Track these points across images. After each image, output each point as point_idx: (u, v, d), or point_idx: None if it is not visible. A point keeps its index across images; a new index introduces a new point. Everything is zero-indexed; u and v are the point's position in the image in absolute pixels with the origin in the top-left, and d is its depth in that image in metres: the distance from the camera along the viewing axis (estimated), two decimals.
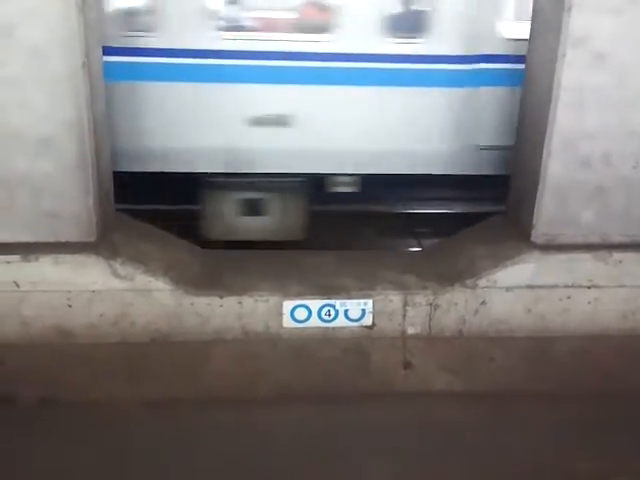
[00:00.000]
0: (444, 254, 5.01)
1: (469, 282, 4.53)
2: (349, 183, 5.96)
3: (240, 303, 4.45)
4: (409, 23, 5.75)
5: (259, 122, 5.36)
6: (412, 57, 5.53)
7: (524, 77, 4.76)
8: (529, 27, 4.64)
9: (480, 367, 4.57)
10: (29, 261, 4.17)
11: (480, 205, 6.40)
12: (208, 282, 4.54)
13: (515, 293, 4.54)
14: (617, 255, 4.50)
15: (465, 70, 5.59)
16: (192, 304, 4.41)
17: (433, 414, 4.25)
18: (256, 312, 4.47)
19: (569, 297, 4.56)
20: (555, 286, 4.53)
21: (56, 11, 3.82)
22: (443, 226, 6.23)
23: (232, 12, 5.71)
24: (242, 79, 5.40)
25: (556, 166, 4.36)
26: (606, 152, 4.35)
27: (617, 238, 4.57)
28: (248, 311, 4.46)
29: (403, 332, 4.58)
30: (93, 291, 4.29)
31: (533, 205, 4.49)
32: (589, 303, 4.59)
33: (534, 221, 4.52)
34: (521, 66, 4.84)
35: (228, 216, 5.87)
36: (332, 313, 4.52)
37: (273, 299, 4.47)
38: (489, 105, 5.69)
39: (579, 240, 4.54)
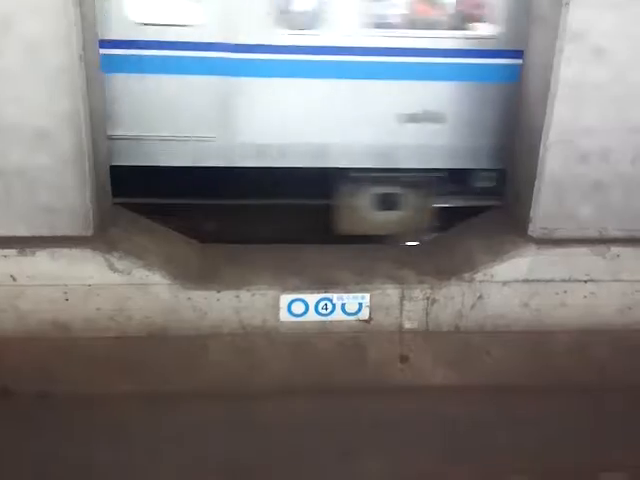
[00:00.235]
0: (441, 248, 5.01)
1: (466, 276, 4.54)
2: (491, 178, 5.91)
3: (237, 297, 4.45)
4: None
5: (412, 119, 5.32)
6: None
7: (521, 72, 4.75)
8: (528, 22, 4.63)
9: (477, 361, 4.59)
10: (26, 255, 4.16)
11: None
12: (205, 276, 4.54)
13: (512, 287, 4.55)
14: (614, 249, 4.51)
15: None
16: (189, 298, 4.41)
17: (429, 408, 4.27)
18: (253, 306, 4.48)
19: (566, 291, 4.57)
20: (552, 280, 4.54)
21: (53, 4, 3.79)
22: None
23: (379, 9, 5.61)
24: (395, 76, 5.24)
25: (554, 161, 4.35)
26: (604, 147, 4.34)
27: (615, 233, 4.57)
28: (245, 305, 4.46)
29: (400, 326, 4.59)
30: (90, 285, 4.28)
31: (530, 199, 4.49)
32: (586, 297, 4.60)
33: (531, 215, 4.52)
34: None
35: (362, 210, 5.86)
36: (329, 307, 4.52)
37: (270, 293, 4.47)
38: None
39: (576, 235, 4.55)
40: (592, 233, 4.56)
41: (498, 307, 4.60)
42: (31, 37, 3.83)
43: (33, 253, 4.17)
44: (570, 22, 4.05)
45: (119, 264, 4.28)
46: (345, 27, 4.94)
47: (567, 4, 4.01)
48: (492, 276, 4.52)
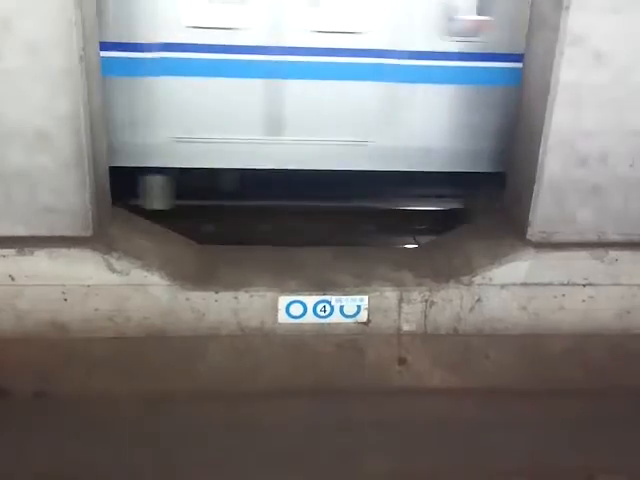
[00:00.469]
0: (440, 251, 5.01)
1: (465, 279, 4.54)
2: None
3: (236, 298, 4.45)
4: None
5: None
6: None
7: (522, 75, 4.76)
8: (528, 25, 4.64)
9: (475, 364, 4.59)
10: (24, 255, 4.17)
11: None
12: (204, 277, 4.54)
13: (510, 290, 4.55)
14: (613, 253, 4.50)
15: None
16: (188, 299, 4.41)
17: (427, 411, 4.26)
18: (252, 307, 4.48)
19: (564, 295, 4.56)
20: (550, 284, 4.54)
21: (53, 5, 3.80)
22: None
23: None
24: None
25: (553, 164, 4.36)
26: (603, 151, 4.34)
27: (613, 237, 4.57)
28: (244, 306, 4.46)
29: (398, 329, 4.59)
30: (89, 285, 4.29)
31: (529, 203, 4.49)
32: (584, 301, 4.59)
33: (530, 219, 4.52)
34: None
35: None
36: (327, 309, 4.52)
37: (269, 295, 4.47)
38: None
39: (575, 238, 4.54)
40: (591, 237, 4.55)
41: (496, 310, 4.59)
42: (31, 38, 3.84)
43: (32, 253, 4.17)
44: (570, 25, 4.05)
45: (118, 265, 4.28)
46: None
47: (567, 8, 4.01)
48: (491, 279, 4.52)
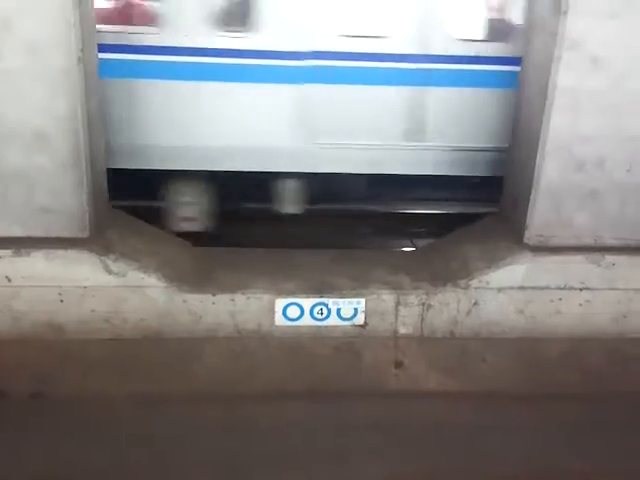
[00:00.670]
0: (437, 254, 5.02)
1: (462, 283, 4.54)
2: None
3: (233, 301, 4.44)
4: None
5: None
6: None
7: (519, 79, 4.77)
8: (526, 29, 4.66)
9: (471, 368, 4.59)
10: (21, 256, 4.16)
11: None
12: (201, 279, 4.54)
13: (507, 294, 4.55)
14: (610, 258, 4.51)
15: None
16: (185, 301, 4.41)
17: (424, 414, 4.26)
18: (249, 310, 4.47)
19: (561, 299, 4.57)
20: (547, 288, 4.54)
21: (52, 5, 3.80)
22: None
23: None
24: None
25: (550, 169, 4.37)
26: (600, 156, 4.36)
27: (610, 241, 4.58)
28: (241, 309, 4.46)
29: (395, 332, 4.59)
30: (85, 287, 4.28)
31: (527, 207, 4.50)
32: (581, 305, 4.60)
33: (527, 222, 4.53)
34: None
35: None
36: (324, 312, 4.52)
37: (266, 297, 4.47)
38: None
39: (572, 242, 4.55)
40: (588, 241, 4.56)
41: (493, 314, 4.60)
42: (31, 38, 3.84)
43: (28, 254, 4.17)
44: (568, 30, 4.06)
45: (114, 266, 4.28)
46: None
47: (565, 12, 4.03)
48: (487, 283, 4.52)
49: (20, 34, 3.82)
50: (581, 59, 4.12)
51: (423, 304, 4.55)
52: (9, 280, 4.21)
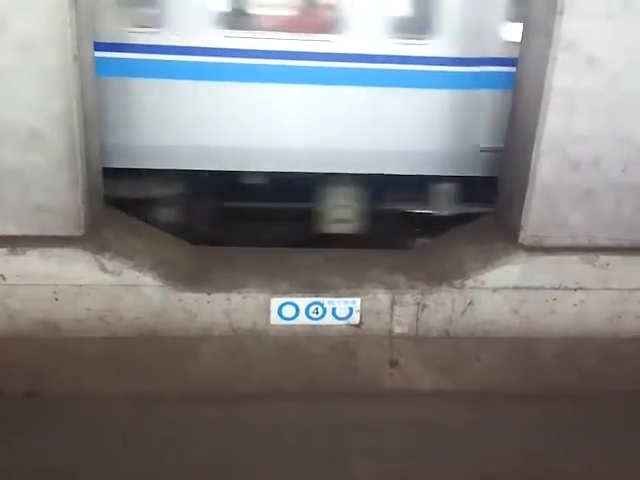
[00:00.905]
0: (433, 254, 5.03)
1: (457, 282, 4.55)
2: None
3: (228, 300, 4.45)
4: None
5: None
6: None
7: (515, 80, 4.78)
8: (522, 30, 4.66)
9: (466, 367, 4.60)
10: (16, 254, 4.15)
11: None
12: (196, 278, 4.54)
13: (502, 294, 4.56)
14: (604, 258, 4.53)
15: None
16: (180, 300, 4.41)
17: (418, 413, 4.27)
18: (244, 309, 4.47)
19: (555, 299, 4.58)
20: (542, 288, 4.55)
21: (48, 4, 3.80)
22: None
23: None
24: None
25: (545, 169, 4.37)
26: (595, 156, 4.36)
27: (604, 241, 4.59)
28: (236, 308, 4.46)
29: (390, 331, 4.59)
30: (80, 285, 4.28)
31: (521, 207, 4.51)
32: (575, 305, 4.61)
33: (522, 223, 4.54)
34: None
35: None
36: (320, 311, 4.53)
37: (261, 296, 4.47)
38: None
39: (566, 242, 4.56)
40: (582, 241, 4.57)
41: (488, 313, 4.60)
42: (25, 36, 3.83)
43: (24, 252, 4.16)
44: (564, 31, 4.06)
45: (110, 265, 4.27)
46: None
47: (561, 13, 4.03)
48: (482, 282, 4.53)
49: (14, 32, 3.81)
50: (577, 60, 4.13)
51: (418, 304, 4.55)
52: (4, 278, 4.20)
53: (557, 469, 3.89)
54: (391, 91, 5.33)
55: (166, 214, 5.71)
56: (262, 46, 5.15)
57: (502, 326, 4.63)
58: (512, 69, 4.94)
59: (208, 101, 5.22)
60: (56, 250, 4.19)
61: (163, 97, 5.18)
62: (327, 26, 5.36)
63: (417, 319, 4.59)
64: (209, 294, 4.43)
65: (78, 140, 4.11)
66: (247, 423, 4.10)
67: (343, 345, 4.57)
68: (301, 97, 5.35)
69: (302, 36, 5.25)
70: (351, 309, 4.52)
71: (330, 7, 5.60)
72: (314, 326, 4.55)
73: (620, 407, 4.39)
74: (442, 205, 5.91)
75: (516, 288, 4.54)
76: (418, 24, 5.40)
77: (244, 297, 4.45)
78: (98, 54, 4.60)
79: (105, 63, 4.89)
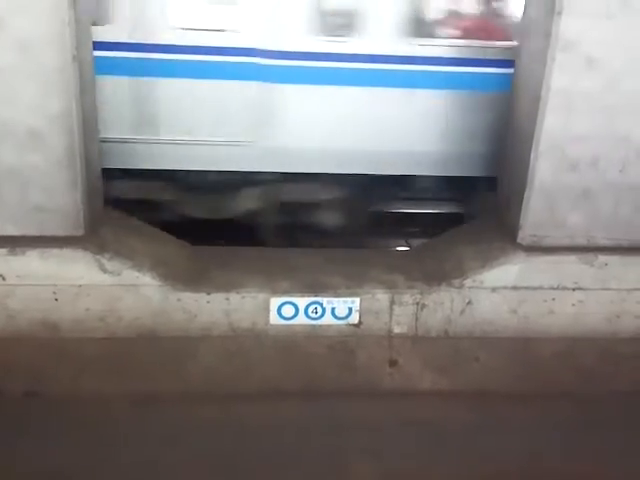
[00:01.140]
0: (432, 254, 5.03)
1: (456, 282, 4.56)
2: None
3: (227, 299, 4.45)
4: None
5: None
6: None
7: (513, 80, 4.78)
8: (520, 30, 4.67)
9: (465, 367, 4.61)
10: (16, 254, 4.15)
11: None
12: (196, 278, 4.54)
13: (501, 294, 4.57)
14: (603, 258, 4.53)
15: None
16: (179, 300, 4.41)
17: (418, 413, 4.28)
18: (243, 309, 4.48)
19: (554, 299, 4.59)
20: (540, 288, 4.56)
21: (47, 4, 3.79)
22: None
23: None
24: None
25: (544, 169, 4.38)
26: (594, 156, 4.37)
27: (603, 241, 4.60)
28: (235, 307, 4.47)
29: (389, 331, 4.60)
30: (80, 285, 4.28)
31: (520, 207, 4.52)
32: (574, 305, 4.61)
33: (521, 223, 4.54)
34: None
35: None
36: (319, 311, 4.53)
37: (260, 296, 4.47)
38: None
39: (565, 242, 4.57)
40: (581, 241, 4.58)
41: (487, 313, 4.61)
42: (24, 36, 3.83)
43: (23, 253, 4.16)
44: (562, 31, 4.07)
45: (109, 265, 4.27)
46: None
47: (560, 13, 4.03)
48: (481, 282, 4.54)
49: (13, 32, 3.81)
50: (575, 60, 4.13)
51: (417, 303, 4.56)
52: (4, 279, 4.20)
53: (556, 469, 3.90)
54: None
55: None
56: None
57: (501, 326, 4.64)
58: None
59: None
60: (55, 250, 4.19)
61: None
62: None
63: (416, 319, 4.59)
64: (208, 294, 4.43)
65: (77, 140, 4.10)
66: (246, 423, 4.10)
67: (342, 345, 4.58)
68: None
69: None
70: (350, 309, 4.53)
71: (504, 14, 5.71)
72: (313, 326, 4.56)
73: (619, 407, 4.40)
74: None
75: (515, 288, 4.55)
76: None
77: (243, 297, 4.46)
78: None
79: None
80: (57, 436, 3.90)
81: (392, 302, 4.55)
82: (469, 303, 4.58)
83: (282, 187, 5.81)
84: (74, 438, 3.90)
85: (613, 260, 4.54)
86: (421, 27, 5.44)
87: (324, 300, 4.51)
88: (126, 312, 4.38)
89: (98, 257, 4.25)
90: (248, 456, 3.85)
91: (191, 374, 4.39)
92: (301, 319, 4.54)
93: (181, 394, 4.25)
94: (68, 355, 4.34)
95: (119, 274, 4.30)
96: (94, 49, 4.49)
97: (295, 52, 5.24)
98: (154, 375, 4.33)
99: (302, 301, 4.51)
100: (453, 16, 5.71)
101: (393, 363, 4.58)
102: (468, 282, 4.54)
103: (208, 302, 4.44)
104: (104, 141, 4.97)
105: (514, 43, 5.23)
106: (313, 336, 4.56)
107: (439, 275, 4.67)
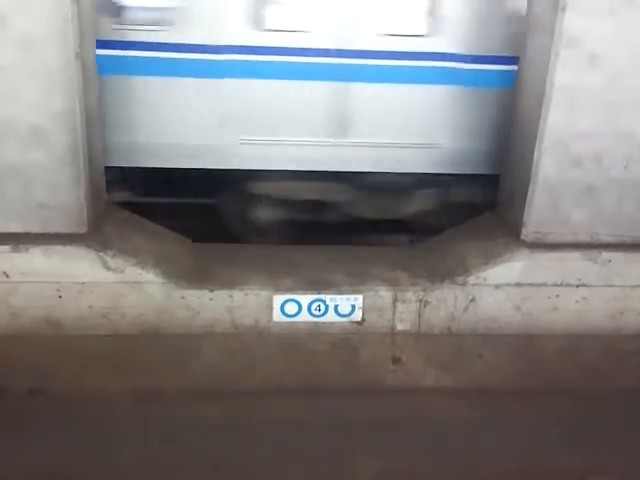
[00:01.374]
0: (435, 251, 5.03)
1: (459, 279, 4.55)
2: None
3: (231, 297, 4.45)
4: None
5: None
6: None
7: (516, 76, 4.77)
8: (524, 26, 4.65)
9: (468, 364, 4.61)
10: (19, 252, 4.15)
11: None
12: (199, 275, 4.54)
13: (504, 291, 4.56)
14: (606, 254, 4.52)
15: None
16: (183, 297, 4.41)
17: (421, 410, 4.28)
18: (246, 306, 4.48)
19: (558, 295, 4.58)
20: (544, 284, 4.55)
21: (49, 1, 3.79)
22: None
23: None
24: None
25: (548, 166, 4.37)
26: (597, 152, 4.36)
27: (606, 238, 4.59)
28: (238, 305, 4.47)
29: (392, 328, 4.60)
30: (83, 283, 4.28)
31: (524, 203, 4.51)
32: (577, 302, 4.61)
33: (525, 219, 4.54)
34: None
35: None
36: (322, 308, 4.53)
37: (264, 293, 4.47)
38: None
39: (569, 239, 4.56)
40: (584, 238, 4.58)
41: (490, 310, 4.61)
42: (26, 34, 3.82)
43: (26, 250, 4.16)
44: (566, 27, 4.06)
45: (113, 262, 4.27)
46: None
47: (563, 9, 4.03)
48: (485, 279, 4.53)
49: (15, 29, 3.80)
50: (579, 56, 4.12)
51: (420, 300, 4.56)
52: (7, 276, 4.20)
53: (559, 465, 3.90)
54: None
55: None
56: None
57: (504, 323, 4.64)
58: None
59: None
60: (59, 247, 4.19)
61: None
62: None
63: (419, 316, 4.59)
64: (211, 291, 4.43)
65: (80, 138, 4.10)
66: (250, 420, 4.10)
67: (345, 342, 4.58)
68: None
69: None
70: (353, 306, 4.53)
71: None
72: (316, 323, 4.56)
73: (622, 403, 4.40)
74: None
75: (518, 285, 4.54)
76: None
77: (246, 294, 4.46)
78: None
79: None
80: (60, 433, 3.91)
81: (395, 299, 4.54)
82: (472, 300, 4.58)
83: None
84: (77, 435, 3.90)
85: (617, 257, 4.53)
86: None
87: (327, 297, 4.51)
88: (129, 309, 4.38)
89: (101, 254, 4.25)
90: (251, 453, 3.85)
91: (194, 371, 4.39)
92: (304, 316, 4.53)
93: (184, 391, 4.25)
94: (71, 352, 4.34)
95: (122, 271, 4.30)
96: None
97: None
98: (157, 372, 4.34)
99: (305, 298, 4.51)
100: None
101: (396, 360, 4.58)
102: (471, 279, 4.53)
103: (211, 299, 4.44)
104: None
105: None
106: (316, 333, 4.56)
107: (442, 272, 4.67)
